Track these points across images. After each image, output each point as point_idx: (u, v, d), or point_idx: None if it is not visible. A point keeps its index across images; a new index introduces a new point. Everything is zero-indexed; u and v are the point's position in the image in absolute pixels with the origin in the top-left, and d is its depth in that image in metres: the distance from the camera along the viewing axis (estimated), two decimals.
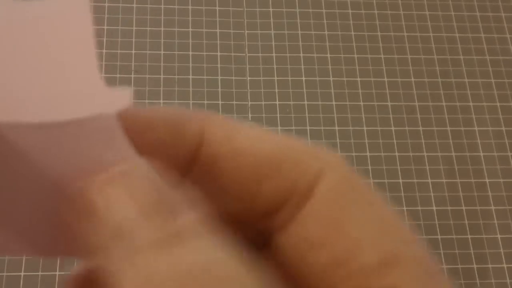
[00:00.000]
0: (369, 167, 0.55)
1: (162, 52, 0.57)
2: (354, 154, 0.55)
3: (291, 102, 0.57)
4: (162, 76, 0.56)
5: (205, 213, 0.11)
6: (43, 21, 0.11)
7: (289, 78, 0.58)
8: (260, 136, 0.13)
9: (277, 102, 0.56)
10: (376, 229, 0.12)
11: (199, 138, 0.12)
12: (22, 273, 0.48)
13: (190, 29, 0.59)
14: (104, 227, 0.10)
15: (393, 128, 0.57)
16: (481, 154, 0.57)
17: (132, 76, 0.56)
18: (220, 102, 0.56)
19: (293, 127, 0.56)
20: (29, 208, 0.12)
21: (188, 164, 0.12)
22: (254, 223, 0.13)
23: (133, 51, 0.57)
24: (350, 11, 0.62)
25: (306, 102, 0.57)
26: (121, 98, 0.11)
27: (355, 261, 0.12)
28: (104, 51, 0.57)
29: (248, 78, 0.57)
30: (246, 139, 0.12)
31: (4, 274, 0.48)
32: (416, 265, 0.12)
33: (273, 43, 0.59)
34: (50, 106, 0.10)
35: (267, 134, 0.13)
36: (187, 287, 0.09)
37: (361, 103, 0.57)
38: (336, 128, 0.56)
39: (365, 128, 0.56)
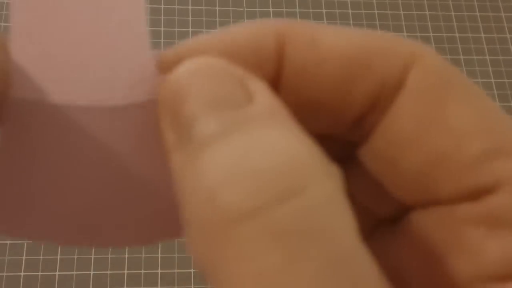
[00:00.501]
0: None
1: None
2: None
3: None
4: None
5: (278, 103, 0.10)
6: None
7: None
8: (345, 34, 0.11)
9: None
10: (481, 119, 0.11)
11: (281, 51, 0.11)
12: (22, 273, 0.48)
13: (190, 29, 0.59)
14: (176, 122, 0.10)
15: None
16: None
17: None
18: None
19: None
20: (99, 194, 0.12)
21: (274, 83, 0.11)
22: (340, 135, 0.12)
23: None
24: (350, 11, 0.62)
25: None
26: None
27: (459, 155, 0.10)
28: None
29: None
30: (331, 40, 0.11)
31: (4, 274, 0.48)
32: None
33: None
34: (108, 87, 0.11)
35: (351, 31, 0.11)
36: (246, 181, 0.09)
37: None
38: None
39: None
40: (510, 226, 0.10)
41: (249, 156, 0.09)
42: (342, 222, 0.09)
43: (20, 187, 0.12)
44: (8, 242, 0.49)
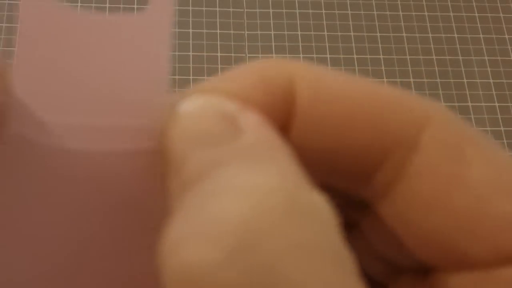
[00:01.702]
0: None
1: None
2: None
3: None
4: None
5: (268, 137, 0.10)
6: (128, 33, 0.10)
7: None
8: (353, 80, 0.11)
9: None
10: (498, 177, 0.10)
11: (292, 92, 0.11)
12: None
13: (191, 30, 0.59)
14: (169, 162, 0.10)
15: None
16: None
17: None
18: None
19: None
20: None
21: (286, 124, 0.11)
22: (347, 190, 0.12)
23: None
24: (349, 12, 0.62)
25: None
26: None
27: (486, 216, 0.10)
28: None
29: None
30: (336, 85, 0.11)
31: None
32: None
33: (273, 43, 0.59)
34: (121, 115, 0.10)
35: (359, 78, 0.11)
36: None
37: None
38: None
39: None
40: None
41: (216, 202, 0.08)
42: (313, 270, 0.08)
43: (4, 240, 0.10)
44: None
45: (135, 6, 0.59)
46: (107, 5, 0.59)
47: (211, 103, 0.10)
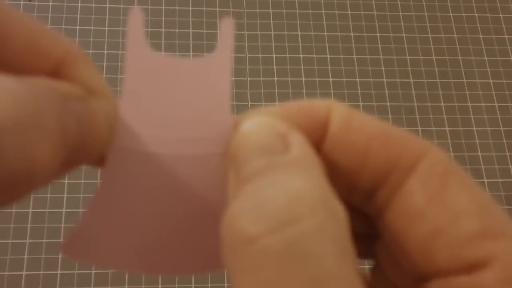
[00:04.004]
0: None
1: (163, 53, 0.58)
2: None
3: None
4: None
5: (308, 154, 0.13)
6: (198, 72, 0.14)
7: (289, 79, 0.58)
8: (373, 119, 0.14)
9: (277, 103, 0.57)
10: (477, 205, 0.13)
11: (327, 120, 0.14)
12: (24, 272, 0.48)
13: (191, 30, 0.59)
14: (234, 163, 0.13)
15: None
16: (480, 154, 0.57)
17: None
18: None
19: None
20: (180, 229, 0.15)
21: (320, 142, 0.14)
22: (358, 203, 0.15)
23: None
24: (349, 12, 0.62)
25: None
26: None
27: (454, 230, 0.12)
28: (105, 52, 0.57)
29: (248, 78, 0.57)
30: (361, 119, 0.14)
31: (6, 273, 0.48)
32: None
33: (273, 44, 0.59)
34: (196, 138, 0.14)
35: (378, 119, 0.14)
36: (279, 210, 0.11)
37: (360, 104, 0.58)
38: None
39: None
40: None
41: (268, 192, 0.12)
42: (327, 248, 0.11)
43: (113, 223, 0.15)
44: (10, 241, 0.49)
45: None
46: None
47: (269, 122, 0.14)
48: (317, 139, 0.14)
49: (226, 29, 0.14)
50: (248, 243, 0.11)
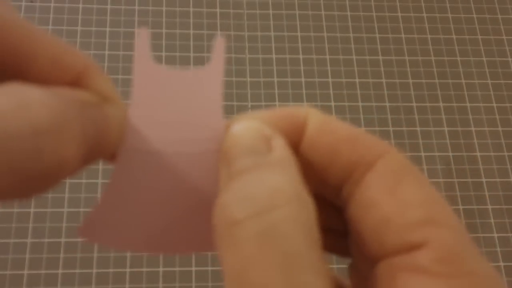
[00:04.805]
0: None
1: (163, 53, 0.58)
2: None
3: (291, 103, 0.57)
4: None
5: (288, 155, 0.15)
6: (193, 81, 0.17)
7: (289, 79, 0.58)
8: (342, 123, 0.17)
9: (277, 103, 0.57)
10: (422, 197, 0.15)
11: (305, 123, 0.17)
12: (25, 272, 0.48)
13: (191, 31, 0.59)
14: (225, 160, 0.16)
15: (391, 129, 0.57)
16: (478, 154, 0.57)
17: None
18: None
19: None
20: (178, 214, 0.18)
21: (298, 143, 0.17)
22: (329, 197, 0.17)
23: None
24: (348, 13, 0.62)
25: (305, 103, 0.57)
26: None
27: (400, 218, 0.15)
28: (106, 52, 0.57)
29: (249, 79, 0.58)
30: (333, 125, 0.17)
31: (8, 272, 0.48)
32: (451, 230, 0.14)
33: (273, 44, 0.60)
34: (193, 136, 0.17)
35: (346, 123, 0.17)
36: (255, 201, 0.14)
37: (360, 104, 0.58)
38: None
39: (363, 128, 0.57)
40: (429, 273, 0.14)
41: (252, 186, 0.14)
42: (297, 231, 0.13)
43: (124, 210, 0.17)
44: (11, 241, 0.49)
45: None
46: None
47: (255, 126, 0.16)
48: (296, 140, 0.17)
49: (219, 46, 0.17)
50: (234, 225, 0.13)
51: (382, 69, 0.60)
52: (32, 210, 0.50)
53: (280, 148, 0.15)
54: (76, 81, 0.15)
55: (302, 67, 0.59)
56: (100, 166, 0.52)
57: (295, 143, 0.17)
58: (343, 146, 0.16)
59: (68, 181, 0.51)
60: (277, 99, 0.57)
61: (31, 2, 0.58)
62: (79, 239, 0.50)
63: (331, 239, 0.18)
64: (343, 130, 0.16)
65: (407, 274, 0.14)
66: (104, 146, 0.15)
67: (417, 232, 0.14)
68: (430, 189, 0.15)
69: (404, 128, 0.57)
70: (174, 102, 0.16)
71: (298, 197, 0.14)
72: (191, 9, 0.61)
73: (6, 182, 0.12)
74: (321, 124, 0.17)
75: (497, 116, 0.59)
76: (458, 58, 0.61)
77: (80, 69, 0.15)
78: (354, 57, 0.60)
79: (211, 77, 0.17)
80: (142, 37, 0.16)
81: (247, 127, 0.16)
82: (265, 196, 0.14)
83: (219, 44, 0.17)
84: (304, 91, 0.58)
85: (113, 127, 0.15)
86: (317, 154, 0.16)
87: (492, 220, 0.54)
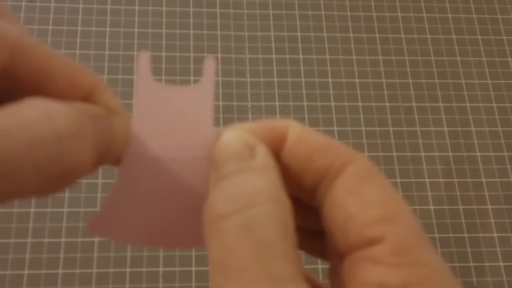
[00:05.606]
0: None
1: (164, 53, 0.58)
2: None
3: (291, 103, 0.57)
4: (164, 78, 0.57)
5: (269, 162, 0.17)
6: (184, 97, 0.19)
7: (289, 79, 0.58)
8: (317, 134, 0.19)
9: (277, 103, 0.57)
10: (382, 198, 0.17)
11: (286, 134, 0.19)
12: (26, 272, 0.48)
13: (192, 31, 0.59)
14: (215, 165, 0.18)
15: (391, 129, 0.57)
16: (478, 154, 0.57)
17: (134, 77, 0.57)
18: (221, 103, 0.56)
19: None
20: (173, 212, 0.20)
21: (279, 151, 0.19)
22: (306, 199, 0.19)
23: (135, 53, 0.58)
24: (348, 13, 0.63)
25: (305, 103, 0.57)
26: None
27: (362, 217, 0.16)
28: (106, 52, 0.57)
29: (249, 79, 0.58)
30: (309, 135, 0.19)
31: (8, 272, 0.48)
32: (406, 226, 0.16)
33: (273, 44, 0.60)
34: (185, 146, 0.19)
35: (320, 133, 0.19)
36: (238, 202, 0.16)
37: (360, 104, 0.58)
38: (335, 128, 0.57)
39: (363, 128, 0.57)
40: (384, 263, 0.15)
41: (236, 187, 0.16)
42: (272, 225, 0.15)
43: (127, 208, 0.19)
44: (12, 241, 0.49)
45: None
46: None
47: (241, 136, 0.18)
48: (278, 149, 0.19)
49: (209, 66, 0.19)
50: (220, 219, 0.16)
51: (382, 69, 0.60)
52: (32, 210, 0.50)
53: (262, 155, 0.17)
54: (87, 97, 0.18)
55: (302, 67, 0.59)
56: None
57: (277, 152, 0.19)
58: (316, 154, 0.18)
59: None
60: (277, 99, 0.57)
61: (31, 2, 0.59)
62: (79, 239, 0.50)
63: (315, 242, 0.20)
64: (317, 141, 0.18)
65: (366, 265, 0.16)
66: (111, 151, 0.17)
67: (376, 228, 0.16)
68: (390, 190, 0.17)
69: (404, 128, 0.57)
70: (171, 115, 0.19)
71: (276, 197, 0.16)
72: (191, 9, 0.61)
73: (32, 182, 0.14)
74: (299, 135, 0.19)
75: (497, 116, 0.59)
76: (458, 58, 0.61)
77: (91, 87, 0.18)
78: (354, 57, 0.60)
79: (203, 93, 0.19)
80: (144, 58, 0.18)
81: (234, 136, 0.18)
82: (247, 195, 0.16)
83: (209, 65, 0.19)
84: (304, 91, 0.58)
85: (119, 136, 0.18)
86: (295, 161, 0.18)
87: (492, 220, 0.54)
